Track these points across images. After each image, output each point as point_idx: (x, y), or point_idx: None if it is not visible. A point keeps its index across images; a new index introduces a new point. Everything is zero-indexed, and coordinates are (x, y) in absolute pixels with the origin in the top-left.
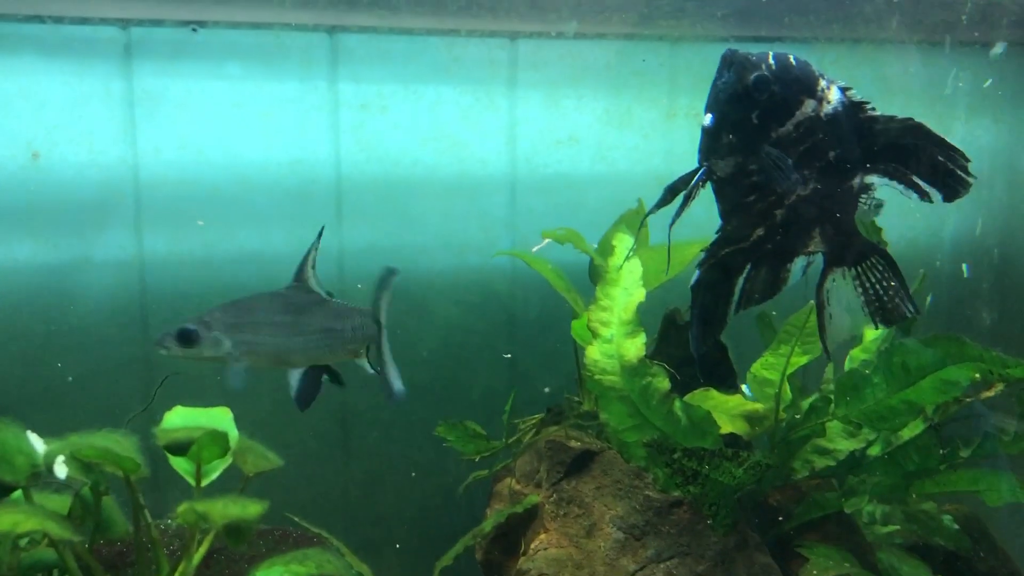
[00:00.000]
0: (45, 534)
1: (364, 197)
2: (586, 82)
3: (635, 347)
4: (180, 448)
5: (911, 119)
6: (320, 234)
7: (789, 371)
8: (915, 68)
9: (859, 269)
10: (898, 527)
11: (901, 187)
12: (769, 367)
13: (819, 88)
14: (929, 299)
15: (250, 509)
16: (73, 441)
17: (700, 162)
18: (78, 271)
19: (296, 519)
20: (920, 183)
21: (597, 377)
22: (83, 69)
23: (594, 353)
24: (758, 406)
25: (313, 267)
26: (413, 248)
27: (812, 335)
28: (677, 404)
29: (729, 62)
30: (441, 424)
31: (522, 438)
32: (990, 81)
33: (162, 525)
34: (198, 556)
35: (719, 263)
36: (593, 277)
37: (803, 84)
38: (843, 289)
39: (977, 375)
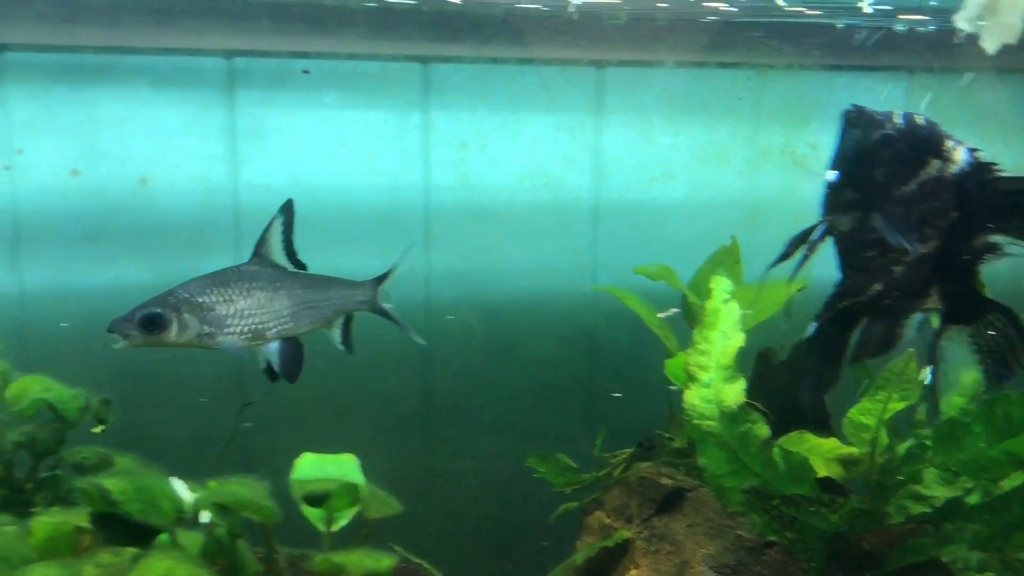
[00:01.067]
0: None
1: (452, 223)
2: (674, 111)
3: (734, 393)
4: (317, 500)
5: None
6: (284, 208)
7: (885, 416)
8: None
9: (976, 327)
10: (994, 575)
11: None
12: (866, 412)
13: (945, 148)
14: None
15: (383, 562)
16: (217, 490)
17: (822, 216)
18: None
19: (398, 549)
20: None
21: (696, 422)
22: (189, 97)
23: (692, 397)
24: (853, 450)
25: (285, 245)
26: (498, 274)
27: (911, 382)
28: (776, 451)
29: (855, 119)
30: (532, 456)
31: (612, 472)
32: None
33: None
34: None
35: (836, 316)
36: (686, 313)
37: (929, 144)
38: (958, 346)
39: None
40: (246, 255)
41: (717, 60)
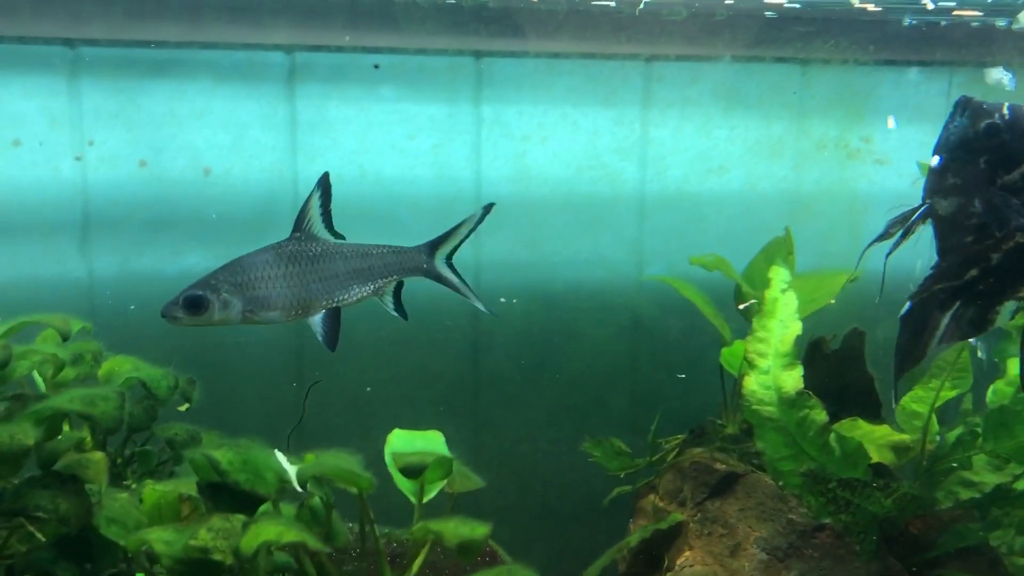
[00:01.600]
0: (297, 544)
1: (502, 211)
2: (730, 104)
3: (792, 379)
4: (414, 472)
5: None
6: (321, 182)
7: (937, 404)
8: None
9: None
10: None
11: None
12: (919, 400)
13: None
14: None
15: (478, 531)
16: (318, 461)
17: (924, 199)
18: None
19: None
20: None
21: (755, 408)
22: (251, 91)
23: (752, 384)
24: (905, 437)
25: (324, 218)
26: (551, 263)
27: (963, 370)
28: (832, 436)
29: (963, 107)
30: (587, 441)
31: (665, 457)
32: None
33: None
34: (416, 566)
35: (931, 297)
36: (739, 303)
37: None
38: None
39: None
40: None
41: (771, 55)
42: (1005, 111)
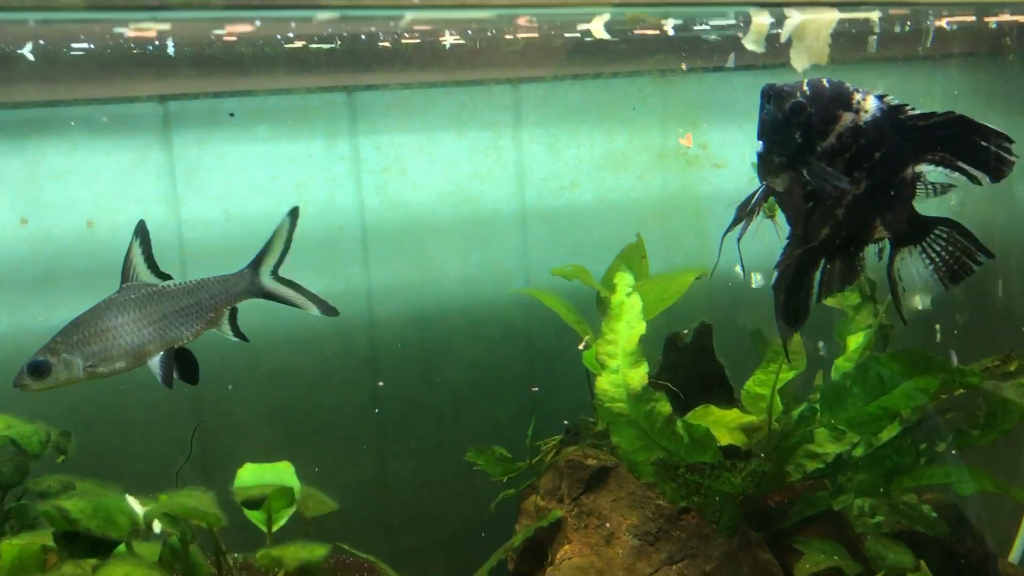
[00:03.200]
0: None
1: (387, 241)
2: (566, 123)
3: (639, 376)
4: (256, 504)
5: (951, 112)
6: (138, 229)
7: (779, 385)
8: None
9: (924, 244)
10: (884, 518)
11: (951, 173)
12: (760, 383)
13: (854, 101)
14: None
15: (316, 552)
16: (165, 502)
17: (760, 181)
18: None
19: (347, 547)
20: (967, 168)
21: (607, 405)
22: (127, 143)
23: (604, 383)
24: (753, 418)
25: (148, 263)
26: (435, 285)
27: (797, 353)
28: (679, 424)
29: (768, 94)
30: (470, 450)
31: (544, 458)
32: None
33: (240, 560)
34: None
35: (794, 263)
36: (600, 308)
37: (838, 101)
38: (911, 264)
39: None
40: None
41: (610, 71)
42: (805, 88)
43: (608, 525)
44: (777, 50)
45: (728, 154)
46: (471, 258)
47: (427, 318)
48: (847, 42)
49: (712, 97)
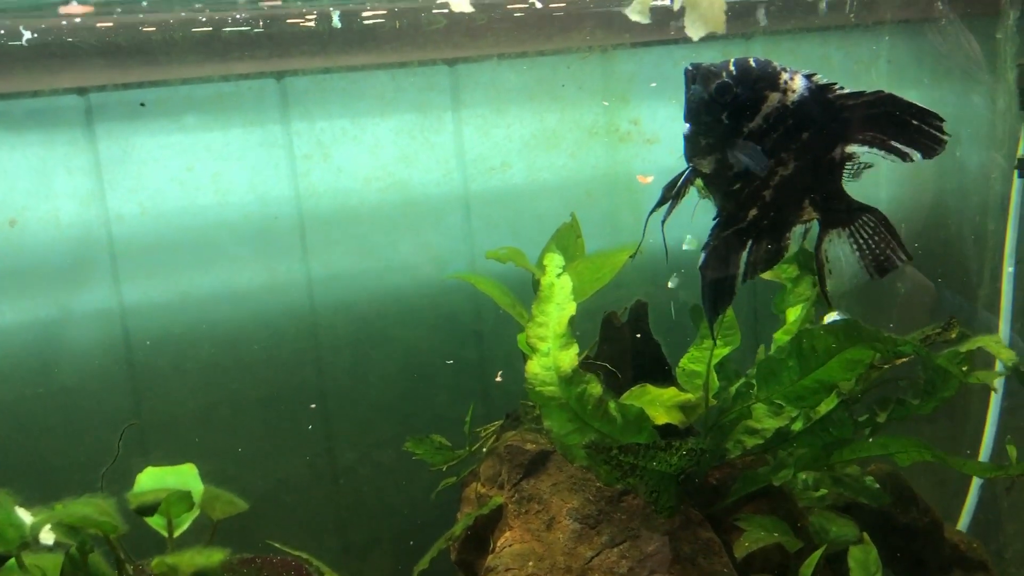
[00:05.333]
0: None
1: (325, 228)
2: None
3: (569, 358)
4: (150, 510)
5: (880, 91)
6: None
7: (714, 362)
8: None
9: (852, 228)
10: (827, 491)
11: (881, 152)
12: (695, 360)
13: (782, 80)
14: None
15: (214, 557)
16: (58, 511)
17: (687, 163)
18: (60, 327)
19: (277, 544)
20: (898, 146)
21: (538, 389)
22: (49, 138)
23: (534, 367)
24: (690, 396)
25: None
26: (376, 272)
27: (731, 328)
28: (612, 405)
29: (693, 75)
30: (409, 439)
31: (484, 445)
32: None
33: (145, 569)
34: None
35: (721, 243)
36: (535, 290)
37: (765, 80)
38: (839, 247)
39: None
40: (125, 286)
41: (536, 49)
42: (731, 68)
43: (549, 510)
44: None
45: (660, 128)
46: (407, 243)
47: (364, 306)
48: (778, 12)
49: (641, 72)
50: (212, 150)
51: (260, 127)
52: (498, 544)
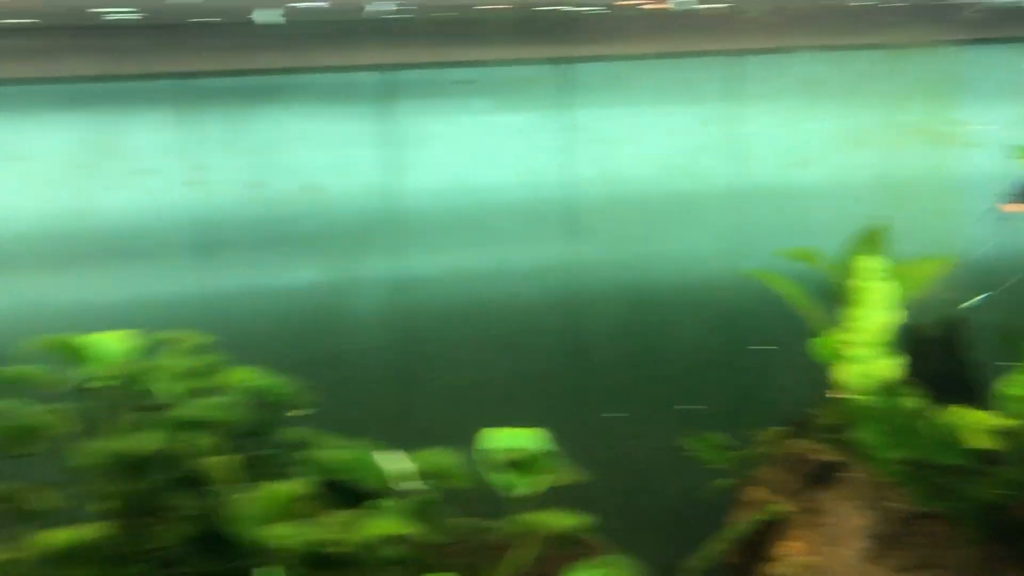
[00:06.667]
0: (403, 537)
1: (597, 214)
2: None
3: (887, 368)
4: (522, 466)
5: None
6: None
7: None
8: None
9: None
10: None
11: None
12: (1018, 384)
13: None
14: None
15: (571, 522)
16: (419, 458)
17: None
18: (346, 292)
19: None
20: None
21: (850, 398)
22: (347, 112)
23: (846, 374)
24: (1008, 421)
25: None
26: (647, 263)
27: None
28: (929, 422)
29: None
30: (686, 435)
31: (765, 449)
32: None
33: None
34: (518, 558)
35: None
36: (831, 295)
37: None
38: None
39: None
40: (413, 256)
41: (853, 43)
42: None
43: (837, 524)
44: None
45: (986, 132)
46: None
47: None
48: None
49: (969, 70)
50: (507, 132)
51: (555, 111)
52: (780, 552)
